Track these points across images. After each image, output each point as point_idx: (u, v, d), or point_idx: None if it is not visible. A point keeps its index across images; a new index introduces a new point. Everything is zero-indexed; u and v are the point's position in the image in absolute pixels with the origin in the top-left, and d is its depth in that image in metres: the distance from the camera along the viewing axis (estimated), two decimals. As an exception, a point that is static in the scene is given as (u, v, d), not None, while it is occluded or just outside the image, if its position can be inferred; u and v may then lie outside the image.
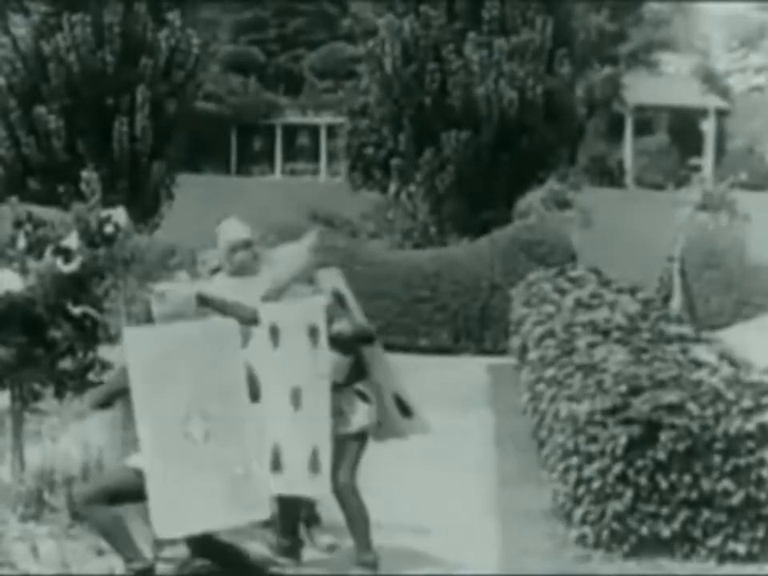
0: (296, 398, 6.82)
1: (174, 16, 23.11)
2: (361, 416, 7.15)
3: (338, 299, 7.17)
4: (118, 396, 6.68)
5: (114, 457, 8.48)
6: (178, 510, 6.21)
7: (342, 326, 7.03)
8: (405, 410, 7.44)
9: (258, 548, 7.25)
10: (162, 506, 6.17)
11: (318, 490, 6.92)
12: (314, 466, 6.73)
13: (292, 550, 7.31)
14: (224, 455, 6.33)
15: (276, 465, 6.78)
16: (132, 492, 6.40)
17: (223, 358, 6.48)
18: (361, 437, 7.16)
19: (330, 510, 7.65)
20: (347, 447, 7.06)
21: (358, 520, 7.10)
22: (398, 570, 7.07)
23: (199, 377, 6.37)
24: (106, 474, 6.89)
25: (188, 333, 6.56)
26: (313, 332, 6.80)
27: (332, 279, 7.29)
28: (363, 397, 7.19)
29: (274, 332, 6.90)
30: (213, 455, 6.31)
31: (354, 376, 7.18)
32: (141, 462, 6.33)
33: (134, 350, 6.30)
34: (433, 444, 10.10)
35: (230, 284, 7.57)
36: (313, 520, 7.73)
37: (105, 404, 6.85)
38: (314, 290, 7.10)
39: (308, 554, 7.39)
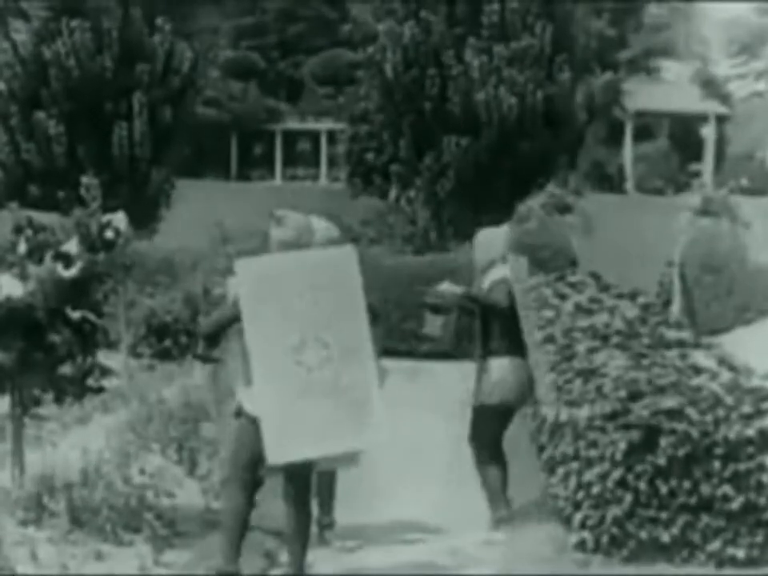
0: None
1: (162, 22, 23.15)
2: (489, 389, 7.84)
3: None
4: (226, 326, 6.61)
5: (115, 461, 8.52)
6: (289, 436, 6.22)
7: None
8: None
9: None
10: (272, 433, 6.20)
11: None
12: None
13: (329, 526, 7.80)
14: (342, 381, 6.36)
15: None
16: (248, 438, 6.43)
17: (341, 284, 6.48)
18: (485, 409, 7.89)
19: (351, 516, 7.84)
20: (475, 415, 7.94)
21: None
22: (395, 571, 7.08)
23: (315, 304, 6.37)
24: (232, 448, 6.73)
25: (303, 260, 6.54)
26: None
27: (518, 267, 8.08)
28: (494, 371, 7.87)
29: None
30: (330, 381, 6.33)
31: (494, 349, 7.94)
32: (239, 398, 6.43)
33: (245, 281, 6.32)
34: (433, 448, 10.13)
35: None
36: (328, 525, 7.79)
37: (214, 336, 6.71)
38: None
39: (326, 554, 7.42)
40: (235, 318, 6.43)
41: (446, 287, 8.06)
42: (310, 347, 6.34)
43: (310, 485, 6.75)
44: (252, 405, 6.37)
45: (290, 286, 6.37)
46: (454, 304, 8.18)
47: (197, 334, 6.92)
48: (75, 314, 7.89)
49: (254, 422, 6.34)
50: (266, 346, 6.28)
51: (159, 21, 23.16)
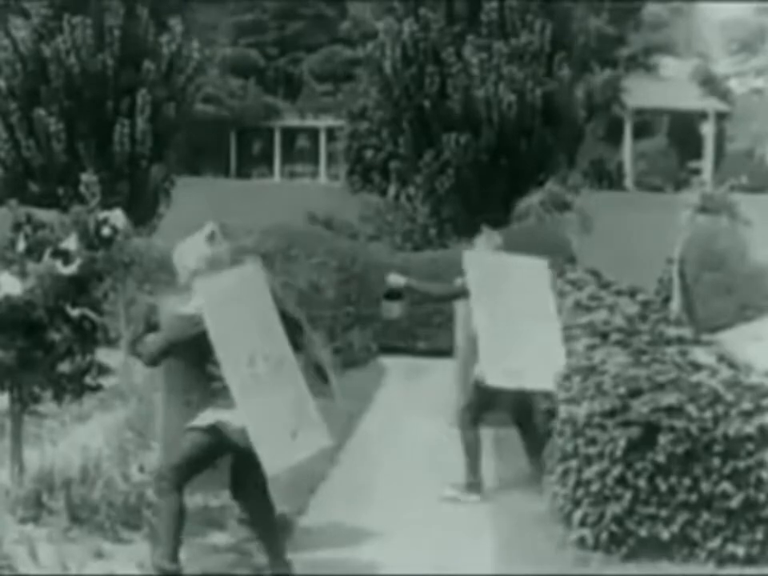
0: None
1: (174, 21, 23.14)
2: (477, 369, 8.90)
3: None
4: (177, 346, 6.67)
5: (115, 459, 8.52)
6: (278, 446, 6.40)
7: None
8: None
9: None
10: (265, 446, 6.30)
11: None
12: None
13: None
14: (286, 391, 6.55)
15: None
16: (212, 452, 6.57)
17: (263, 302, 6.69)
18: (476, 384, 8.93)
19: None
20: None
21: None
22: (391, 571, 7.07)
23: (252, 318, 6.56)
24: (182, 445, 6.74)
25: (241, 277, 6.73)
26: None
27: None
28: None
29: None
30: (278, 392, 6.51)
31: None
32: (218, 416, 6.49)
33: (208, 297, 6.41)
34: (431, 446, 10.12)
35: None
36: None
37: (162, 356, 6.75)
38: None
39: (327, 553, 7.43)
40: (191, 336, 6.52)
41: (393, 278, 9.25)
42: (258, 360, 6.48)
43: (265, 479, 6.75)
44: (236, 418, 6.42)
45: (237, 302, 6.54)
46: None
47: (140, 353, 6.92)
48: (75, 312, 7.88)
49: (222, 433, 6.46)
50: (233, 360, 6.39)
51: (172, 21, 23.12)
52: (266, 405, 6.39)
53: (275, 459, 6.33)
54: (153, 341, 6.70)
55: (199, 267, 6.71)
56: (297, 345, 7.69)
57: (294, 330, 7.68)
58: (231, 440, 6.45)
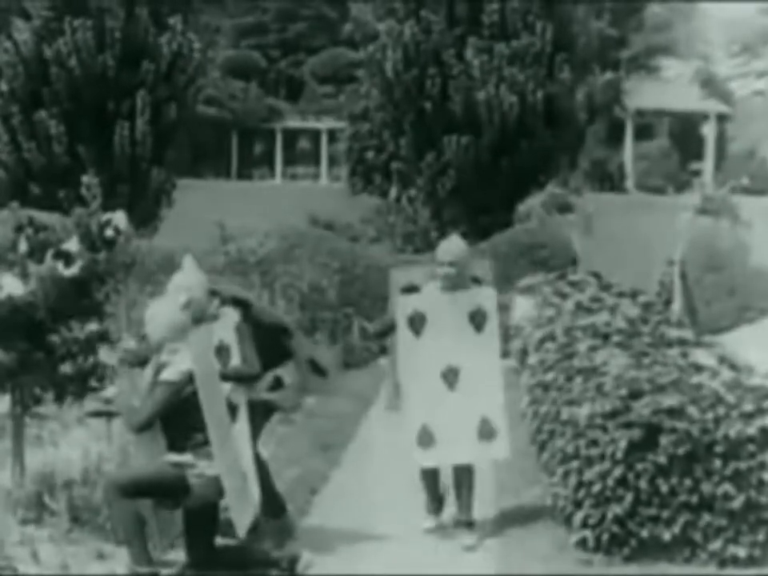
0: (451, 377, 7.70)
1: (175, 21, 23.17)
2: None
3: None
4: (165, 413, 6.68)
5: (114, 461, 8.51)
6: (245, 507, 6.72)
7: None
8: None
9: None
10: (236, 507, 6.59)
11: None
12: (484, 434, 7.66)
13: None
14: (239, 459, 6.81)
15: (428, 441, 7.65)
16: (164, 487, 6.56)
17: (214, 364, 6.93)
18: None
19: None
20: None
21: None
22: (392, 572, 7.07)
23: (214, 384, 6.71)
24: (141, 467, 6.89)
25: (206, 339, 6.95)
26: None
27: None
28: None
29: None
30: (232, 458, 6.71)
31: None
32: (182, 458, 6.58)
33: (198, 361, 6.55)
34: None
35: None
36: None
37: (151, 425, 6.75)
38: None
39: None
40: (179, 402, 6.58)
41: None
42: (224, 425, 6.71)
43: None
44: (209, 467, 6.56)
45: (211, 363, 6.81)
46: None
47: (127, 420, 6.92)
48: (81, 333, 7.95)
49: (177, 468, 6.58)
50: (216, 420, 6.55)
51: (172, 20, 23.15)
52: (234, 463, 6.67)
53: (243, 518, 6.63)
54: (140, 410, 6.63)
55: (171, 335, 6.70)
56: (286, 350, 7.71)
57: (280, 336, 7.71)
58: (186, 483, 6.52)
